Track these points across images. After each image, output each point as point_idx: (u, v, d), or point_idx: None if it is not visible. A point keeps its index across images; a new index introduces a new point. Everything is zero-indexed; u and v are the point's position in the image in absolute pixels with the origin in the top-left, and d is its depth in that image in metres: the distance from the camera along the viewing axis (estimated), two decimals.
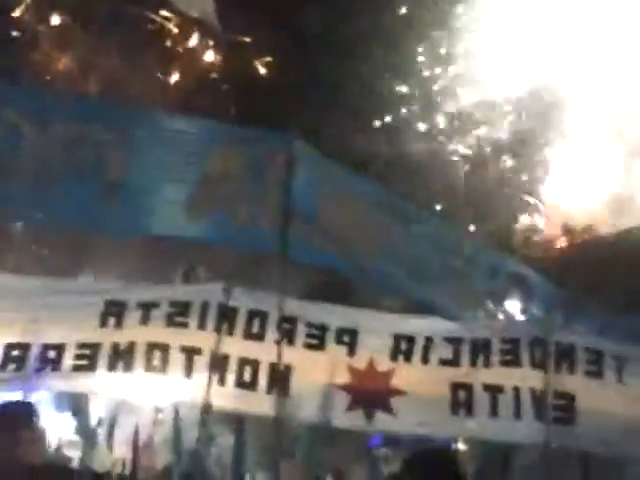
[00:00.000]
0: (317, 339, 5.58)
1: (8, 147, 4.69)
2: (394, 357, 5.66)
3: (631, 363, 5.83)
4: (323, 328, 5.59)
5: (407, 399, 5.61)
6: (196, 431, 6.02)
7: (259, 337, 5.50)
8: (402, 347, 5.67)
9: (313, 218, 5.18)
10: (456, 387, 5.67)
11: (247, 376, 5.45)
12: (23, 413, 4.52)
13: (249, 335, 5.49)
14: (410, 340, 5.70)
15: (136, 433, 6.81)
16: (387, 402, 5.61)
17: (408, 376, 5.67)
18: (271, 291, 5.44)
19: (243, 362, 5.47)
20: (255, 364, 5.47)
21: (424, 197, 10.85)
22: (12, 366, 5.18)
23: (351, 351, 5.60)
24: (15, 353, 5.18)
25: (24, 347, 5.19)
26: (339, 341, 5.60)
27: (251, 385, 5.46)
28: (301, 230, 5.05)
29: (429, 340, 5.71)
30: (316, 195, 5.24)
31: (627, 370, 5.82)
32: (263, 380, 5.44)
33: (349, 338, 5.61)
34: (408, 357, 5.67)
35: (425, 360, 5.69)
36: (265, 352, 5.45)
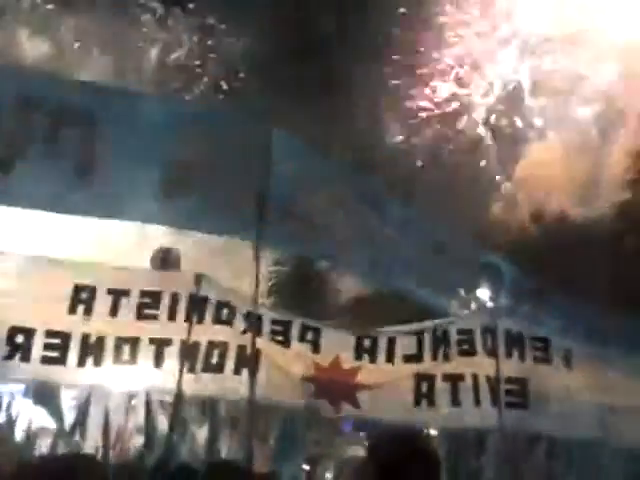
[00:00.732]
0: (282, 335, 5.67)
1: None
2: (358, 357, 5.82)
3: (577, 350, 6.04)
4: (287, 324, 5.70)
5: (372, 393, 5.79)
6: (168, 417, 6.03)
7: (228, 323, 5.53)
8: (366, 346, 5.82)
9: (290, 205, 5.14)
10: (419, 379, 5.87)
11: (215, 359, 5.49)
12: None
13: (219, 321, 5.52)
14: (373, 340, 5.85)
15: (107, 419, 6.79)
16: (353, 396, 5.78)
17: (373, 373, 5.82)
18: (242, 282, 5.45)
19: (212, 346, 5.51)
20: (223, 347, 5.51)
21: (398, 184, 10.89)
22: None
23: (315, 349, 5.72)
24: None
25: None
26: (303, 338, 5.71)
27: (218, 368, 5.49)
28: (277, 216, 5.01)
29: (391, 341, 5.87)
30: (293, 182, 5.19)
31: (575, 357, 6.02)
32: (231, 362, 5.49)
33: (313, 336, 5.72)
34: (372, 358, 5.83)
35: (389, 358, 5.85)
36: (233, 337, 5.49)
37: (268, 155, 4.95)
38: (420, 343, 5.90)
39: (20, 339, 5.07)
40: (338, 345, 5.81)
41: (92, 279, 5.32)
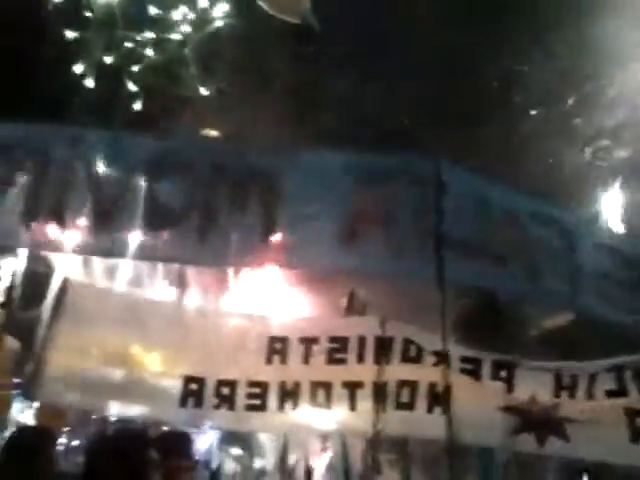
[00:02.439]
0: (472, 372, 5.55)
1: (169, 195, 5.00)
2: (557, 394, 5.56)
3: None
4: (478, 361, 5.57)
5: (581, 426, 5.45)
6: (361, 458, 6.07)
7: (416, 360, 5.50)
8: (564, 383, 5.56)
9: (468, 240, 5.05)
10: (631, 415, 5.46)
11: (406, 397, 5.47)
12: (183, 443, 4.72)
13: (407, 359, 5.49)
14: (573, 377, 5.56)
15: (306, 461, 6.98)
16: (561, 428, 5.43)
17: (574, 407, 5.55)
18: (426, 321, 5.41)
19: (402, 385, 5.50)
20: (414, 385, 5.48)
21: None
22: (191, 401, 5.42)
23: (510, 386, 5.54)
24: (193, 387, 5.43)
25: (200, 381, 5.44)
26: (496, 376, 5.55)
27: (410, 405, 5.46)
28: (456, 253, 4.94)
29: (592, 377, 5.54)
30: (469, 216, 5.11)
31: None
32: (423, 400, 5.42)
33: (506, 374, 5.53)
34: (572, 394, 5.55)
35: (590, 395, 5.52)
36: (423, 374, 5.43)
37: (440, 189, 4.93)
38: (621, 377, 5.48)
39: (226, 391, 5.38)
40: (534, 383, 5.55)
41: (284, 331, 5.57)
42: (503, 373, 5.55)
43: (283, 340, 5.55)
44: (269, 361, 5.52)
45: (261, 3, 10.21)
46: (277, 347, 5.54)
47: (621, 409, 5.49)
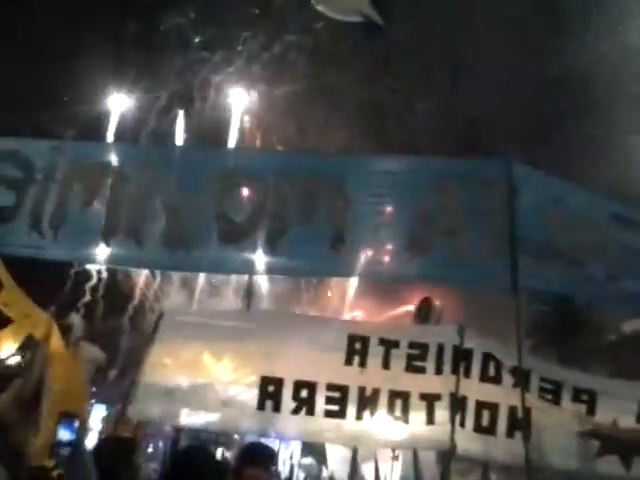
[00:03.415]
0: (552, 394, 5.34)
1: (239, 207, 5.06)
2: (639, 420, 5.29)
3: None
4: (558, 384, 5.36)
5: None
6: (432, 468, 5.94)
7: (496, 380, 5.37)
8: None
9: (543, 243, 4.91)
10: None
11: (485, 420, 5.33)
12: (268, 454, 4.70)
13: (486, 378, 5.38)
14: None
15: (377, 471, 6.88)
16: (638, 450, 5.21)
17: None
18: (501, 328, 5.28)
19: (481, 405, 5.37)
20: (494, 408, 5.35)
21: None
22: (269, 404, 5.35)
23: (591, 410, 5.32)
24: (271, 389, 5.36)
25: (277, 382, 5.36)
26: (576, 399, 5.33)
27: (490, 429, 5.33)
28: (530, 257, 4.81)
29: None
30: (543, 218, 4.96)
31: None
32: (503, 424, 5.30)
33: (587, 398, 5.34)
34: None
35: None
36: (503, 395, 5.30)
37: (511, 192, 4.81)
38: None
39: (305, 393, 5.35)
40: (616, 408, 5.32)
41: (364, 331, 5.55)
42: (584, 397, 5.36)
43: (363, 339, 5.44)
44: (349, 362, 5.45)
45: (321, 8, 10.27)
46: (357, 347, 5.45)
47: None
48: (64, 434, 6.32)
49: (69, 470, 3.93)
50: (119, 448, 4.21)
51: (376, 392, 5.38)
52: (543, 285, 5.15)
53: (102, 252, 5.09)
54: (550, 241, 4.96)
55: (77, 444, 4.80)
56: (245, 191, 5.20)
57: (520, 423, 4.91)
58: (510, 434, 5.23)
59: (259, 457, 4.30)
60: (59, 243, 5.05)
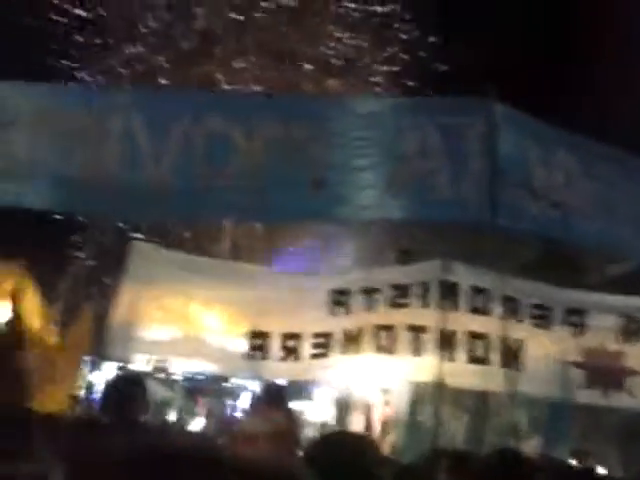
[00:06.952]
0: (542, 319, 5.43)
1: (219, 153, 4.96)
2: (626, 338, 5.43)
3: None
4: (547, 309, 5.44)
5: None
6: (426, 410, 6.01)
7: (484, 312, 5.39)
8: (632, 328, 5.44)
9: (523, 183, 4.86)
10: None
11: (478, 351, 5.37)
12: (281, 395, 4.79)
13: (474, 310, 5.40)
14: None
15: (367, 410, 6.98)
16: (621, 381, 5.34)
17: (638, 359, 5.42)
18: (487, 266, 5.27)
19: (473, 337, 5.41)
20: (482, 338, 5.38)
21: None
22: (258, 355, 5.51)
23: (580, 332, 5.41)
24: (257, 342, 5.51)
25: (264, 336, 5.51)
26: (566, 321, 5.42)
27: (484, 360, 5.37)
28: (510, 196, 4.77)
29: None
30: (524, 159, 4.90)
31: None
32: (495, 354, 5.34)
33: (578, 319, 5.42)
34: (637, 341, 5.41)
35: None
36: (493, 327, 5.33)
37: (492, 132, 4.73)
38: None
39: (291, 343, 5.48)
40: (603, 328, 5.41)
41: (345, 284, 5.61)
42: (574, 318, 5.44)
43: (345, 292, 5.52)
44: (333, 313, 5.53)
45: None
46: (340, 299, 5.52)
47: None
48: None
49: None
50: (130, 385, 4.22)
51: (360, 330, 5.47)
52: (524, 224, 5.13)
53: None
54: (530, 182, 4.92)
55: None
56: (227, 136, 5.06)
57: (513, 353, 5.02)
58: (503, 364, 5.29)
59: (273, 398, 4.41)
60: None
